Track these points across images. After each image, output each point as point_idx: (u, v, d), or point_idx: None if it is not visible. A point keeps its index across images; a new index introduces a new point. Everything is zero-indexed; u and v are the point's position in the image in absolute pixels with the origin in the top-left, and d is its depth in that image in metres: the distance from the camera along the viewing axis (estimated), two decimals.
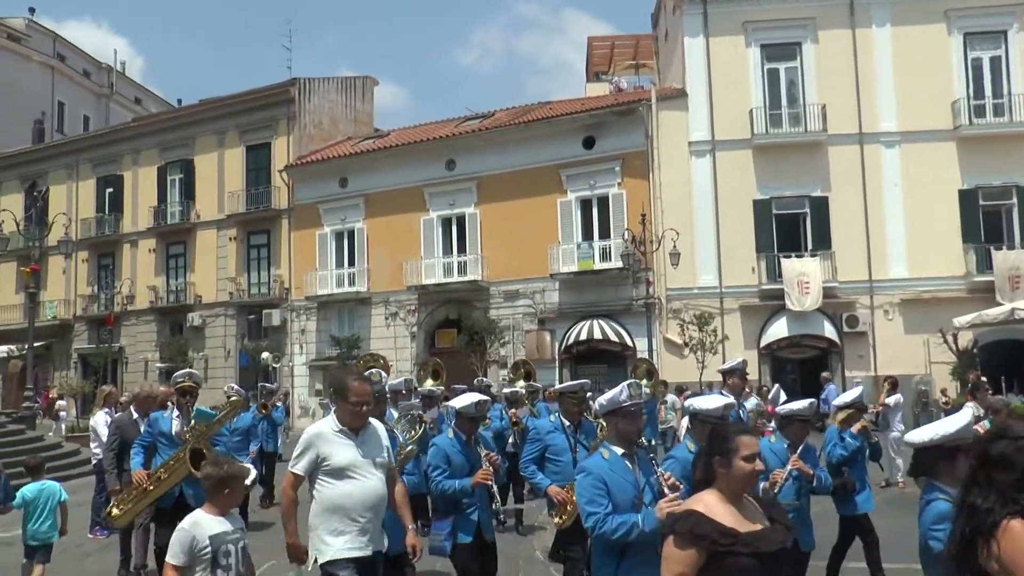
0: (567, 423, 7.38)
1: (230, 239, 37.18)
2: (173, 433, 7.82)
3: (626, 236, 27.62)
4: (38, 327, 31.34)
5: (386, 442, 5.38)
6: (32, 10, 55.81)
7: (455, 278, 31.86)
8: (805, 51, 28.93)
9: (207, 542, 4.37)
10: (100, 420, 11.80)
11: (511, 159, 31.03)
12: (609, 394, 4.57)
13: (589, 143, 30.08)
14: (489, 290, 31.30)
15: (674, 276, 28.04)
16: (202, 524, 4.45)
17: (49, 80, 53.35)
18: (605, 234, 29.72)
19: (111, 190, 41.15)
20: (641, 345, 28.07)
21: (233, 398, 9.16)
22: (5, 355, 37.42)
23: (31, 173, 43.21)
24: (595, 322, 29.24)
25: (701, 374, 25.05)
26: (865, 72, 28.41)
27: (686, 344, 27.15)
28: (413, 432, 8.16)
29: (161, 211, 39.28)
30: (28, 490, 8.74)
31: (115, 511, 7.84)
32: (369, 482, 5.09)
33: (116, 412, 11.85)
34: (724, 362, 26.90)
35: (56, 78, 53.97)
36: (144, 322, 39.14)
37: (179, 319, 38.06)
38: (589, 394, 9.76)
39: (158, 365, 37.61)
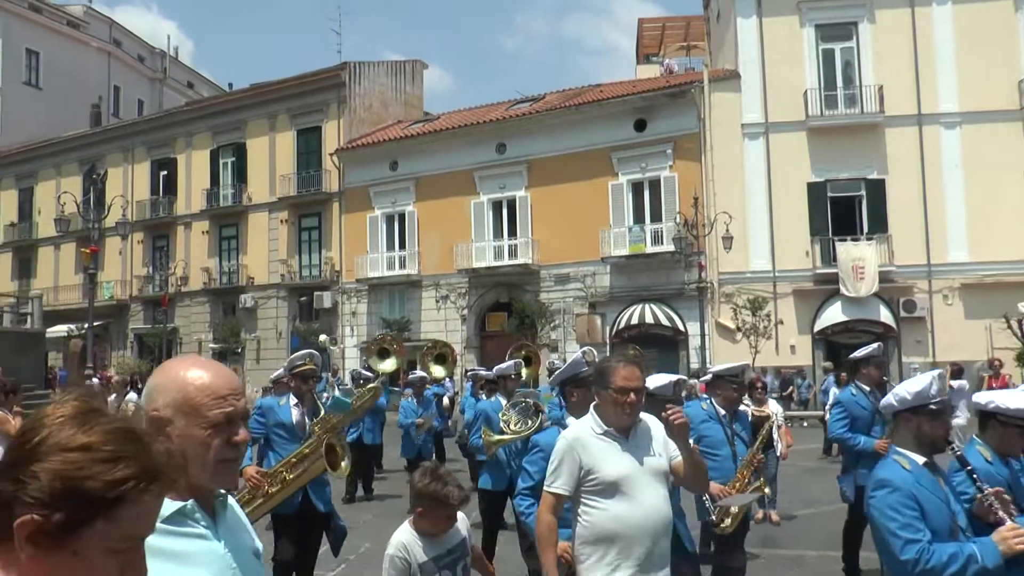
0: (722, 411, 6.80)
1: (281, 222, 38.17)
2: (293, 424, 6.64)
3: (678, 219, 27.93)
4: (96, 307, 32.39)
5: (662, 446, 4.06)
6: None
7: (505, 261, 32.41)
8: (861, 31, 28.89)
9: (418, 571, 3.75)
10: None
11: (562, 142, 31.44)
12: (914, 386, 3.64)
13: (640, 126, 30.37)
14: (540, 273, 31.80)
15: (726, 260, 28.30)
16: (414, 547, 3.78)
17: (106, 65, 55.02)
18: (657, 217, 30.03)
19: (165, 173, 42.40)
20: (693, 329, 28.45)
21: (372, 384, 7.45)
22: (65, 334, 38.77)
23: (89, 156, 44.61)
24: (647, 306, 29.63)
25: (754, 359, 25.29)
26: (925, 51, 28.29)
27: (739, 329, 27.45)
28: (526, 424, 7.41)
29: (214, 194, 40.42)
30: None
31: None
32: (648, 499, 3.89)
33: None
34: (777, 347, 27.51)
35: (112, 63, 55.69)
36: (197, 303, 40.39)
37: (231, 300, 39.24)
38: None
39: (211, 345, 38.80)
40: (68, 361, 38.38)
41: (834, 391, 15.68)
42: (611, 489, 3.86)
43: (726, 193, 28.48)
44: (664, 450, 4.02)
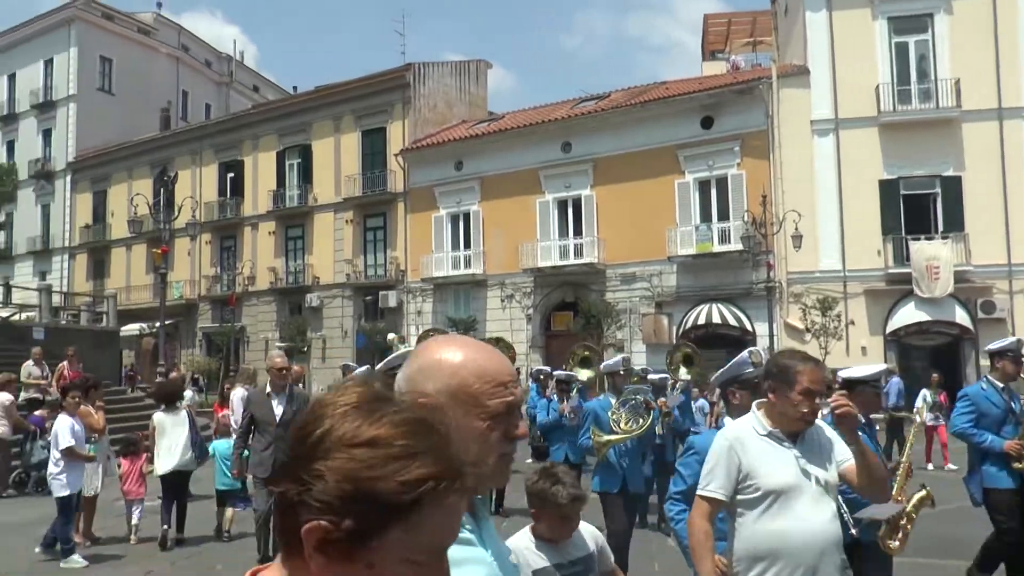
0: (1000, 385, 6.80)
1: (347, 222, 38.76)
2: None
3: (746, 218, 27.77)
4: (166, 306, 33.14)
5: (832, 454, 3.69)
6: (159, 4, 59.01)
7: (571, 260, 32.49)
8: (937, 22, 28.43)
9: None
10: (237, 395, 12.58)
11: (627, 140, 31.44)
12: None
13: (707, 123, 30.26)
14: (605, 273, 31.84)
15: (795, 259, 28.04)
16: (529, 552, 3.38)
17: (174, 70, 56.59)
18: (724, 216, 29.87)
19: (232, 175, 43.35)
20: (761, 330, 28.24)
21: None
22: (138, 332, 39.81)
23: (159, 159, 45.82)
24: (714, 306, 29.50)
25: (824, 360, 24.95)
26: (1006, 43, 27.72)
27: (808, 329, 27.15)
28: (637, 422, 7.28)
29: (280, 195, 41.20)
30: (219, 445, 10.64)
31: None
32: (814, 515, 3.51)
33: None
34: (848, 349, 27.13)
35: (180, 68, 57.28)
36: (264, 302, 41.19)
37: (298, 300, 39.96)
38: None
39: (278, 344, 39.37)
40: (140, 359, 39.43)
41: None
42: (772, 499, 3.50)
43: (795, 191, 28.23)
44: (833, 459, 3.65)
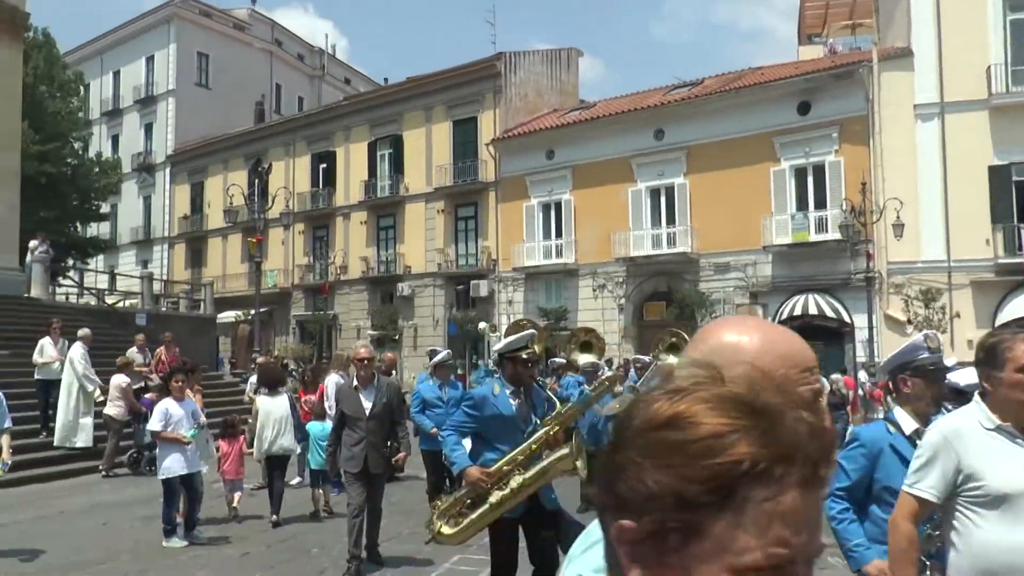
0: None
1: (438, 211, 39.21)
2: (514, 415, 5.66)
3: (844, 206, 27.24)
4: (260, 295, 34.03)
5: None
6: (254, 0, 60.26)
7: (664, 250, 32.35)
8: None
9: None
10: (332, 381, 12.90)
11: (721, 127, 31.11)
12: None
13: (804, 109, 29.73)
14: (699, 262, 31.59)
15: (896, 248, 27.36)
16: None
17: (268, 64, 58.05)
18: (821, 204, 29.34)
19: (324, 166, 44.24)
20: (860, 322, 27.70)
21: (609, 374, 6.60)
22: (233, 320, 40.92)
23: (253, 151, 47.04)
24: (810, 296, 29.03)
25: None
26: None
27: (910, 321, 26.53)
28: None
29: (372, 185, 41.88)
30: (313, 427, 11.03)
31: (445, 528, 5.56)
32: None
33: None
34: (953, 342, 26.42)
35: (274, 62, 58.75)
36: (356, 291, 41.95)
37: (389, 289, 40.60)
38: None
39: (369, 332, 40.23)
40: (236, 345, 40.51)
41: None
42: (1007, 506, 2.95)
43: (896, 178, 27.54)
44: None
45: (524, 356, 5.78)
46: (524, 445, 5.44)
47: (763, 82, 30.94)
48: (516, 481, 5.35)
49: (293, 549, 8.98)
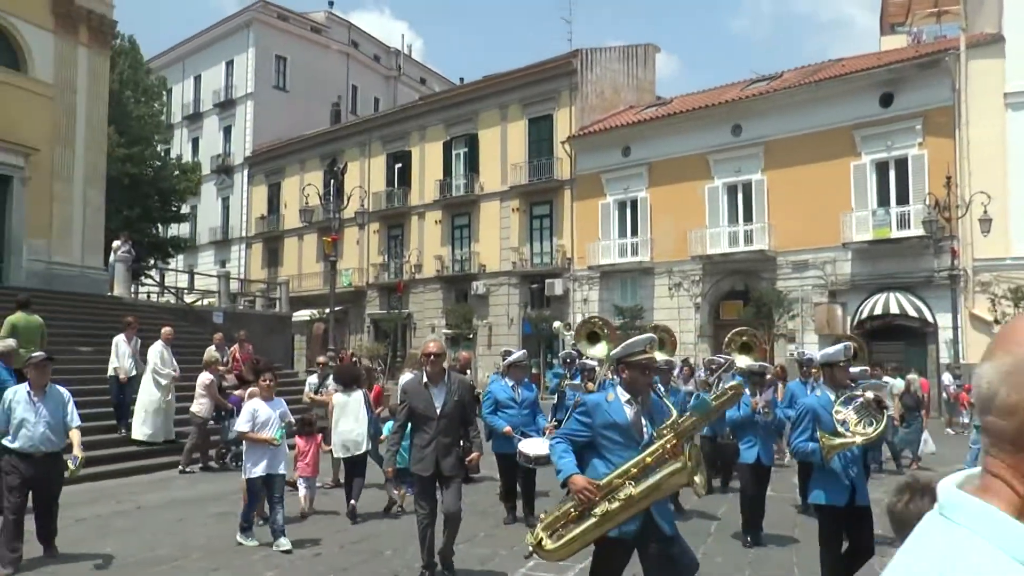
0: None
1: (513, 210, 39.57)
2: (628, 424, 5.26)
3: (928, 201, 26.76)
4: (335, 293, 34.60)
5: None
6: (331, 3, 61.76)
7: (741, 247, 32.16)
8: None
9: None
10: (406, 380, 12.99)
11: (800, 121, 30.89)
12: None
13: (886, 100, 29.33)
14: (776, 260, 31.35)
15: (983, 245, 26.87)
16: None
17: (344, 66, 59.22)
18: (903, 199, 28.87)
19: (400, 165, 44.99)
20: (943, 321, 27.17)
21: (733, 383, 5.87)
22: (308, 318, 41.74)
23: (329, 152, 47.94)
24: (891, 295, 28.59)
25: None
26: None
27: (996, 321, 25.86)
28: (870, 424, 6.32)
29: (446, 184, 42.42)
30: (389, 425, 11.42)
31: (547, 542, 5.19)
32: None
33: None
34: None
35: (350, 64, 60.00)
36: (431, 290, 42.51)
37: (464, 287, 41.07)
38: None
39: (444, 331, 40.68)
40: (311, 343, 41.34)
41: None
42: None
43: (984, 171, 26.98)
44: None
45: (643, 361, 5.36)
46: (638, 457, 5.08)
47: (844, 74, 30.59)
48: (625, 494, 4.97)
49: (366, 551, 8.86)
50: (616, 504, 4.95)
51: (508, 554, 8.61)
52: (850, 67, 31.19)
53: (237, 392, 14.51)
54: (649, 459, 5.06)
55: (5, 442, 8.05)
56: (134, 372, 15.23)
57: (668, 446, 5.07)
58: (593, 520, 5.00)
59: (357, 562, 8.33)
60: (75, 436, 8.35)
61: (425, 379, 7.63)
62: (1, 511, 8.24)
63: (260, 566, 8.20)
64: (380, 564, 8.32)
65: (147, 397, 15.24)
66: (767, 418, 9.49)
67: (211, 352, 16.54)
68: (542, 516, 5.38)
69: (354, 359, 37.92)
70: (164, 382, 15.21)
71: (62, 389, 8.45)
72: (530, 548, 5.30)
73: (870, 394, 6.53)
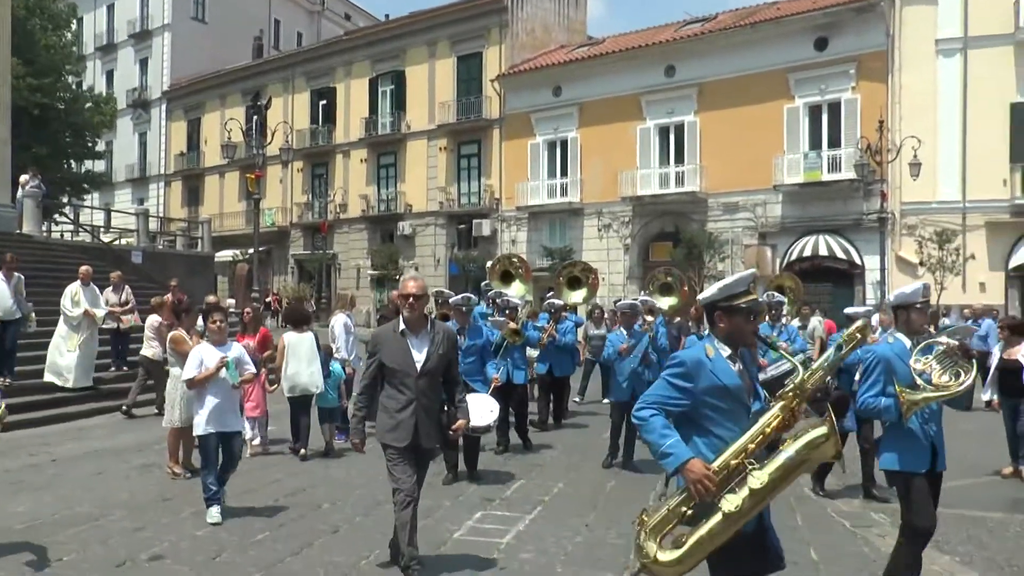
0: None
1: (440, 149, 38.47)
2: (741, 387, 3.97)
3: (860, 145, 26.53)
4: (259, 233, 33.36)
5: None
6: None
7: (672, 189, 31.72)
8: None
9: None
10: (339, 323, 12.17)
11: (735, 64, 30.33)
12: None
13: (821, 44, 28.95)
14: (707, 202, 31.01)
15: (911, 189, 26.88)
16: None
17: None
18: (835, 143, 28.71)
19: (324, 102, 43.38)
20: (871, 263, 27.35)
21: (857, 324, 4.42)
22: (231, 259, 40.32)
23: (251, 87, 46.03)
24: (821, 237, 28.56)
25: (939, 296, 23.93)
26: None
27: (922, 263, 26.02)
28: (956, 377, 5.07)
29: (372, 122, 41.10)
30: (334, 367, 11.29)
31: (664, 554, 3.80)
32: None
33: (352, 318, 12.63)
34: (965, 284, 25.93)
35: None
36: (356, 230, 41.34)
37: (389, 228, 40.01)
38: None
39: (369, 272, 39.74)
40: (234, 284, 39.91)
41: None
42: None
43: (914, 116, 26.86)
44: None
45: (744, 305, 4.05)
46: (756, 428, 3.86)
47: (779, 17, 30.07)
48: (758, 480, 3.72)
49: (303, 504, 8.06)
50: (747, 494, 3.71)
51: (453, 504, 8.04)
52: (786, 10, 30.61)
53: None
54: (768, 429, 3.88)
55: None
56: (17, 314, 13.84)
57: (793, 408, 3.90)
58: (720, 518, 3.71)
59: (294, 517, 7.56)
60: None
61: (402, 326, 5.86)
62: None
63: (189, 525, 7.30)
64: (317, 519, 7.57)
65: (57, 338, 14.11)
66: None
67: (107, 293, 15.39)
68: (644, 518, 3.92)
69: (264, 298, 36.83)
70: (75, 323, 14.06)
71: None
72: (638, 566, 3.91)
73: (953, 340, 5.50)
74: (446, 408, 6.05)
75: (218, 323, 7.84)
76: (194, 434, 7.70)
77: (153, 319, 13.50)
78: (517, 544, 6.78)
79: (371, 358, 5.97)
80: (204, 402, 7.45)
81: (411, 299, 5.83)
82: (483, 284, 11.80)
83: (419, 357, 5.80)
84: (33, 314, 14.52)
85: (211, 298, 12.09)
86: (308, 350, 10.56)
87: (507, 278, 12.21)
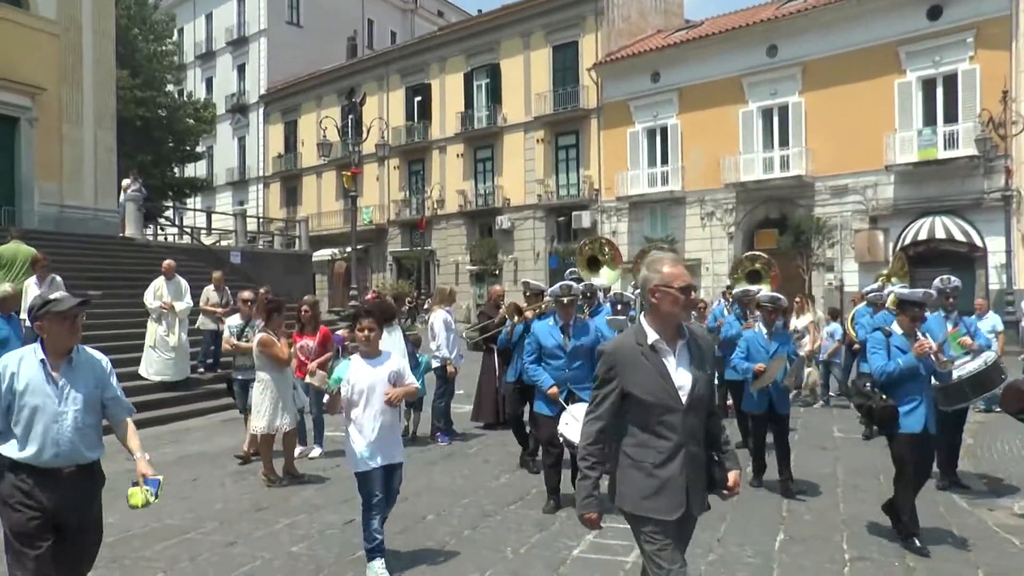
0: None
1: (538, 141, 38.10)
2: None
3: (980, 118, 25.12)
4: (356, 231, 33.49)
5: None
6: None
7: (776, 174, 30.73)
8: None
9: None
10: (439, 318, 11.78)
11: (840, 39, 29.22)
12: None
13: (935, 13, 27.54)
14: (814, 186, 29.95)
15: None
16: None
17: (360, 0, 56.75)
18: (952, 118, 27.29)
19: (419, 99, 43.53)
20: (994, 245, 25.93)
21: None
22: (329, 257, 40.68)
23: (346, 87, 46.63)
24: (937, 219, 27.23)
25: None
26: None
27: None
28: None
29: (468, 116, 40.99)
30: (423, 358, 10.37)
31: None
32: None
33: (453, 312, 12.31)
34: None
35: None
36: (454, 225, 41.29)
37: (488, 222, 39.87)
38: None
39: (468, 267, 39.62)
40: (332, 282, 40.31)
41: None
42: None
43: None
44: None
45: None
46: None
47: None
48: None
49: (404, 516, 7.33)
50: None
51: (568, 516, 7.16)
52: None
53: (340, 332, 12.85)
54: None
55: (4, 450, 4.27)
56: None
57: None
58: None
59: (395, 531, 6.81)
60: (131, 436, 4.63)
61: (653, 336, 3.82)
62: None
63: (285, 538, 6.89)
64: (422, 533, 6.96)
65: (147, 334, 14.15)
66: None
67: (207, 292, 15.32)
68: None
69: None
70: (155, 316, 14.02)
71: (97, 355, 4.59)
72: None
73: None
74: (716, 457, 4.05)
75: (367, 332, 6.04)
76: (354, 470, 6.04)
77: None
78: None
79: (605, 385, 3.88)
80: (363, 429, 5.89)
81: (684, 291, 3.77)
82: (568, 272, 10.46)
83: (682, 382, 3.80)
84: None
85: (309, 297, 11.57)
86: (397, 347, 10.06)
87: (594, 264, 11.17)
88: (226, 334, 10.73)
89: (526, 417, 9.31)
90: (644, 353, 3.79)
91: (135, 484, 4.37)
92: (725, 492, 3.98)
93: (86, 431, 4.34)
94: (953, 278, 9.08)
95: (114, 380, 4.58)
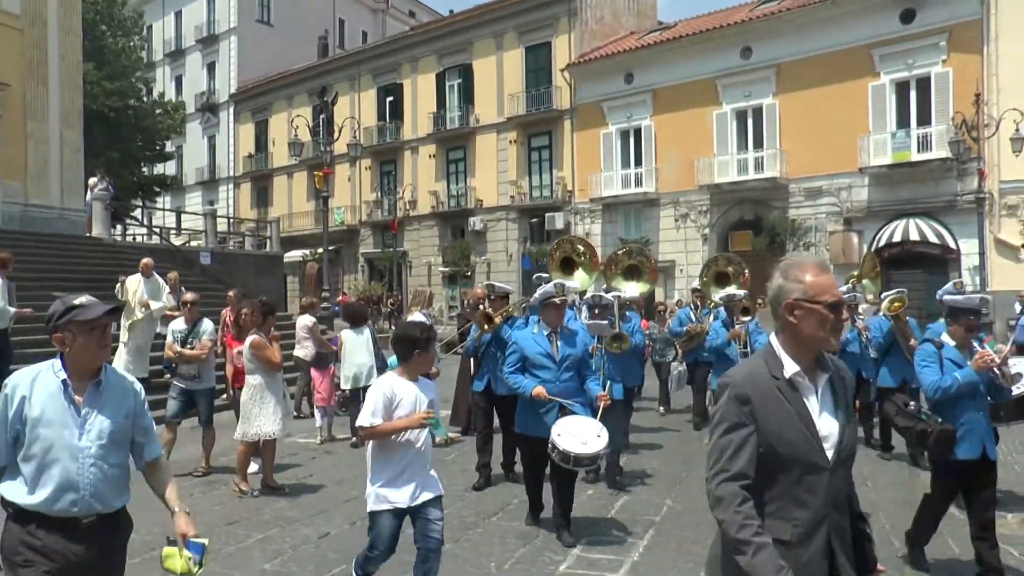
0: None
1: (510, 142, 37.86)
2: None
3: (954, 120, 25.11)
4: (328, 232, 32.97)
5: None
6: None
7: (751, 175, 30.65)
8: None
9: None
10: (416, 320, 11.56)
11: (814, 42, 29.18)
12: None
13: (908, 16, 27.56)
14: (788, 188, 29.91)
15: (1012, 166, 25.33)
16: None
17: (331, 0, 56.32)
18: (925, 121, 27.33)
19: (391, 99, 43.11)
20: (967, 247, 25.91)
21: None
22: (300, 259, 40.19)
23: (317, 87, 45.73)
24: (911, 221, 27.28)
25: None
26: None
27: None
28: None
29: (440, 117, 40.64)
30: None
31: None
32: None
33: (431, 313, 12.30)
34: None
35: None
36: (426, 227, 40.98)
37: (460, 223, 39.59)
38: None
39: (440, 269, 39.30)
40: (304, 284, 39.77)
41: None
42: None
43: (1015, 87, 25.17)
44: None
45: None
46: None
47: None
48: None
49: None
50: None
51: (552, 530, 6.91)
52: None
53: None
54: None
55: (8, 493, 3.39)
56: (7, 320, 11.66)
57: None
58: None
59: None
60: (168, 483, 3.81)
61: (793, 368, 2.79)
62: None
63: (257, 554, 6.54)
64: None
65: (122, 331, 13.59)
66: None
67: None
68: None
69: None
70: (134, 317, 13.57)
71: (129, 377, 3.75)
72: None
73: None
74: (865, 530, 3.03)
75: (421, 352, 5.21)
76: (370, 509, 5.19)
77: (307, 319, 13.09)
78: None
79: (737, 430, 2.75)
80: (399, 462, 5.05)
81: (835, 309, 2.77)
82: (534, 277, 9.22)
83: (828, 430, 2.79)
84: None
85: (248, 301, 10.88)
86: (366, 346, 11.27)
87: (568, 266, 10.40)
88: (169, 339, 9.79)
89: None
90: (780, 388, 2.78)
91: (172, 543, 3.48)
92: None
93: (112, 473, 3.50)
94: (967, 284, 8.66)
95: (147, 409, 3.73)
